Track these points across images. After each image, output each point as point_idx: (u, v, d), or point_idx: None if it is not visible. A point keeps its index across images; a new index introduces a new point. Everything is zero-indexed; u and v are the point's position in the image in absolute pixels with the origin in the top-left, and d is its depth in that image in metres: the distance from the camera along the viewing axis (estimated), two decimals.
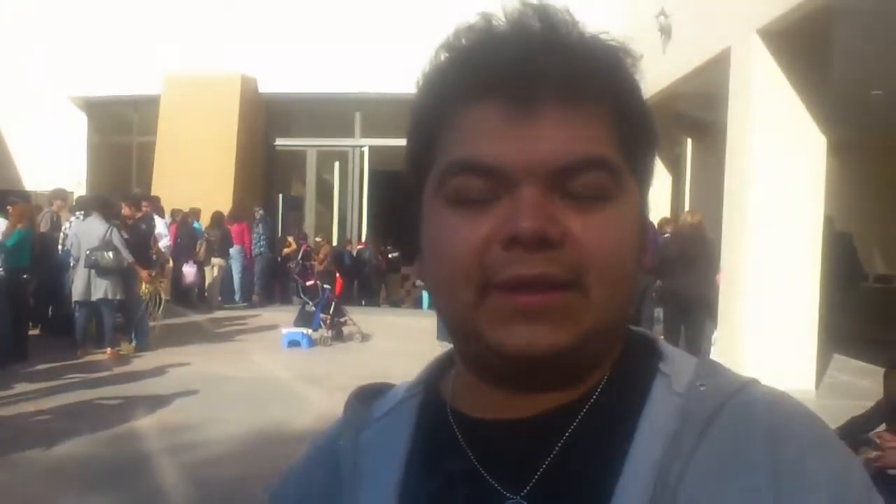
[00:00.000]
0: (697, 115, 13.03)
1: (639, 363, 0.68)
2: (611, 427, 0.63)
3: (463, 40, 0.64)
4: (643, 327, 0.75)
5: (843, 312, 9.56)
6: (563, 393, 0.65)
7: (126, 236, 9.35)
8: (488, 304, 0.60)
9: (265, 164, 17.37)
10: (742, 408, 0.62)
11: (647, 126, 0.67)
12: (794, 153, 7.82)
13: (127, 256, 9.20)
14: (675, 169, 14.36)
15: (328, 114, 17.10)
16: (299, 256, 13.86)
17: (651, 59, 11.57)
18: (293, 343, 10.35)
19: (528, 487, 0.63)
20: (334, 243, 16.22)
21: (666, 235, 9.82)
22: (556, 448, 0.63)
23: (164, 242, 11.77)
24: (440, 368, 0.75)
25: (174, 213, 13.69)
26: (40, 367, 8.51)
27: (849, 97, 9.65)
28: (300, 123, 17.70)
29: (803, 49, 7.70)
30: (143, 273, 9.71)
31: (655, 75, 10.78)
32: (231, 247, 14.58)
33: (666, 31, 11.22)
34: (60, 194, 11.47)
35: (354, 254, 16.19)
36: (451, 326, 0.66)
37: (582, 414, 0.64)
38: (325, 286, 11.03)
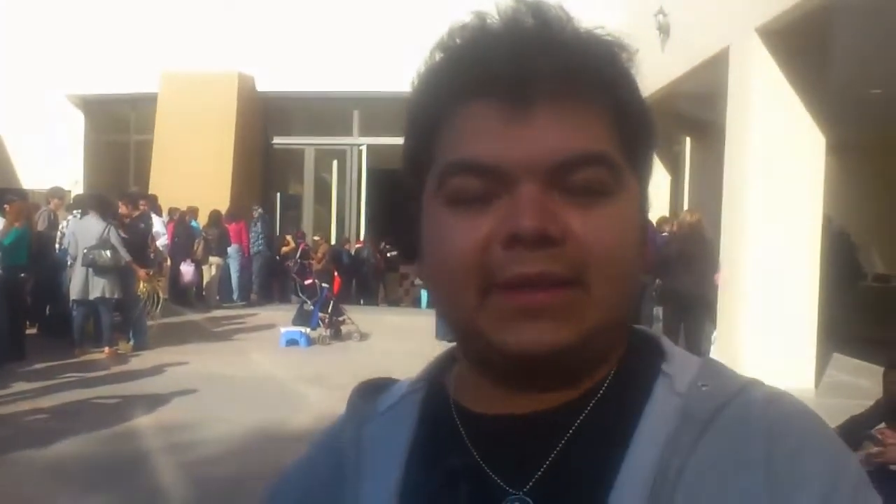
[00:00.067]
0: (696, 114, 13.04)
1: (642, 362, 0.68)
2: (612, 425, 0.63)
3: (457, 40, 0.64)
4: (642, 326, 0.75)
5: (843, 311, 9.56)
6: (566, 391, 0.65)
7: (124, 235, 9.33)
8: (491, 304, 0.60)
9: (263, 163, 17.36)
10: (742, 408, 0.62)
11: (646, 122, 0.67)
12: (792, 152, 7.81)
13: (125, 255, 9.19)
14: (674, 168, 14.37)
15: (326, 112, 17.09)
16: (297, 255, 13.84)
17: (650, 57, 11.57)
18: (291, 342, 10.34)
19: (530, 484, 0.63)
20: (332, 242, 16.21)
21: (664, 234, 9.82)
22: (559, 445, 0.63)
23: (162, 241, 11.75)
24: (443, 364, 0.75)
25: (172, 211, 13.67)
26: (38, 366, 8.49)
27: (848, 96, 9.65)
28: (298, 122, 17.69)
29: (802, 48, 7.70)
30: (141, 272, 9.70)
31: (654, 74, 10.76)
32: (229, 245, 14.56)
33: (665, 30, 11.22)
34: (58, 193, 11.45)
35: (353, 252, 16.18)
36: (453, 326, 0.66)
37: (585, 412, 0.64)
38: (324, 285, 11.03)
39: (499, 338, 0.60)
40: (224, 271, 14.66)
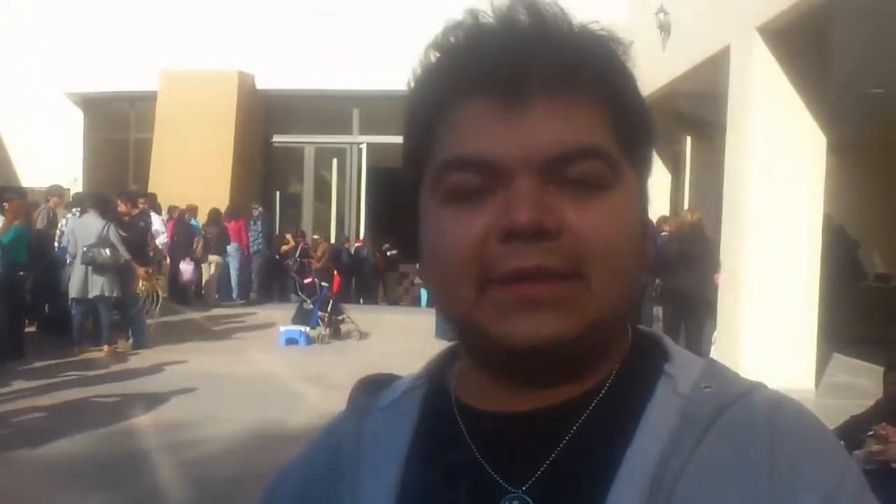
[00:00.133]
0: (697, 113, 13.03)
1: (645, 362, 0.67)
2: (613, 425, 0.63)
3: (451, 38, 0.64)
4: (643, 326, 0.74)
5: (843, 311, 9.56)
6: (568, 388, 0.65)
7: (123, 233, 9.32)
8: (489, 299, 0.60)
9: (263, 161, 17.35)
10: (745, 411, 0.62)
11: (643, 116, 0.67)
12: (793, 151, 7.81)
13: (124, 253, 9.18)
14: (675, 167, 14.35)
15: (326, 110, 17.09)
16: (297, 254, 13.83)
17: (650, 56, 11.63)
18: (291, 341, 10.33)
19: (529, 482, 0.62)
20: (332, 241, 16.20)
21: (664, 234, 9.81)
22: (560, 444, 0.63)
23: (161, 239, 11.74)
24: (445, 361, 0.75)
25: (171, 209, 13.66)
26: (37, 364, 8.49)
27: (848, 95, 9.65)
28: (298, 120, 17.68)
29: (803, 47, 7.69)
30: (140, 270, 9.69)
31: (655, 73, 10.78)
32: (228, 244, 14.55)
33: (665, 29, 11.21)
34: (57, 191, 11.43)
35: (352, 251, 16.17)
36: (452, 322, 0.65)
37: (587, 411, 0.64)
38: (323, 284, 11.03)
39: (498, 331, 0.60)
40: (223, 270, 14.64)
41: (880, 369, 4.60)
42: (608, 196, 0.61)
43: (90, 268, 9.02)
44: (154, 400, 7.10)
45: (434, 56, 0.65)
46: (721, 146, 9.11)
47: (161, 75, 16.01)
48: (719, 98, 9.10)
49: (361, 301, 15.22)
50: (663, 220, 10.91)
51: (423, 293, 14.46)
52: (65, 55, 16.45)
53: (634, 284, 0.65)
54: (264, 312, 13.19)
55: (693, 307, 8.29)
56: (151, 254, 10.55)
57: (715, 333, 8.59)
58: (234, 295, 14.86)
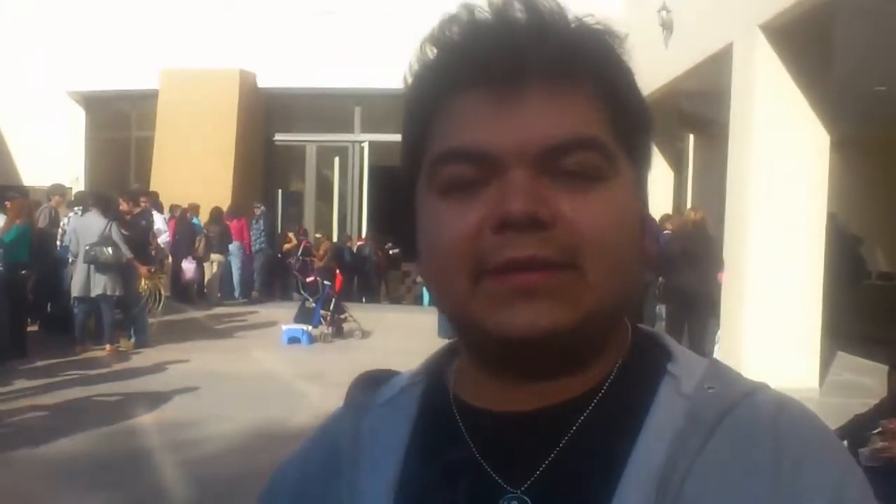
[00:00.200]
0: (699, 111, 13.02)
1: (647, 362, 0.67)
2: (615, 426, 0.63)
3: (447, 32, 0.64)
4: (645, 324, 0.73)
5: (846, 310, 9.55)
6: (568, 386, 0.64)
7: (125, 232, 9.32)
8: (484, 290, 0.60)
9: (264, 160, 17.36)
10: (750, 412, 0.62)
11: (640, 109, 0.66)
12: (796, 149, 7.79)
13: (126, 252, 9.18)
14: (677, 165, 14.34)
15: (328, 109, 17.08)
16: (299, 252, 13.83)
17: (653, 54, 11.61)
18: (293, 340, 10.34)
19: (528, 482, 0.62)
20: (334, 239, 16.20)
21: (666, 232, 9.80)
22: (560, 444, 0.63)
23: (164, 238, 11.74)
24: (444, 358, 0.74)
25: (173, 208, 13.67)
26: (39, 363, 8.49)
27: (852, 93, 9.64)
28: (300, 119, 17.69)
29: (806, 45, 7.68)
30: (143, 269, 9.69)
31: (657, 71, 10.76)
32: (230, 243, 14.56)
33: (668, 27, 11.19)
34: (59, 190, 11.43)
35: (355, 250, 16.18)
36: (448, 315, 0.65)
37: (588, 410, 0.64)
38: (325, 282, 11.03)
39: (493, 321, 0.60)
40: (225, 268, 14.65)
41: (884, 368, 4.60)
42: (604, 188, 0.61)
43: (92, 266, 9.03)
44: (156, 399, 7.10)
45: (430, 51, 0.65)
46: (724, 144, 9.10)
47: (162, 74, 16.02)
48: (722, 96, 9.08)
49: (364, 300, 15.22)
50: (666, 218, 10.89)
51: (426, 292, 14.46)
52: (66, 54, 16.46)
53: (632, 277, 0.64)
54: (266, 311, 13.20)
55: (696, 306, 8.28)
56: (153, 252, 10.55)
57: (718, 332, 8.58)
58: (237, 294, 14.87)
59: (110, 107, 18.03)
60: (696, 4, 10.18)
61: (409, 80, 0.67)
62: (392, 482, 0.66)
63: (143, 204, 11.08)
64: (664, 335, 0.71)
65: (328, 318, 10.67)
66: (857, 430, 4.12)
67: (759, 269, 7.87)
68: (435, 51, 0.65)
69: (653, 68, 10.58)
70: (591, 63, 0.63)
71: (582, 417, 0.63)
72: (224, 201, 14.90)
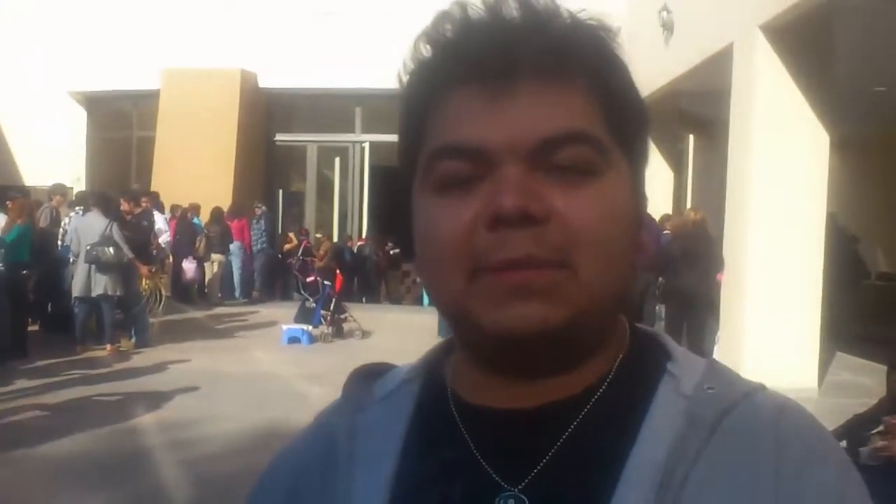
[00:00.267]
0: (700, 111, 13.01)
1: (646, 361, 0.67)
2: (614, 425, 0.63)
3: (440, 30, 0.64)
4: (645, 324, 0.74)
5: (846, 310, 9.55)
6: (566, 385, 0.64)
7: (126, 232, 9.33)
8: (479, 288, 0.60)
9: (265, 160, 17.35)
10: (749, 414, 0.62)
11: (634, 102, 0.66)
12: (796, 150, 7.79)
13: (127, 252, 9.19)
14: (678, 165, 14.33)
15: (329, 109, 17.08)
16: (300, 252, 13.84)
17: (653, 54, 11.59)
18: (293, 340, 10.34)
19: (526, 481, 0.62)
20: (335, 239, 16.20)
21: (666, 233, 9.80)
22: (559, 443, 0.62)
23: (164, 238, 11.75)
24: (442, 353, 0.74)
25: (174, 208, 13.68)
26: (40, 363, 8.50)
27: (852, 93, 9.63)
28: (300, 119, 17.68)
29: (806, 45, 7.67)
30: (143, 269, 9.70)
31: (658, 71, 10.76)
32: (231, 243, 14.56)
33: (668, 27, 11.19)
34: (60, 189, 11.44)
35: (355, 250, 16.18)
36: (444, 313, 0.65)
37: (586, 409, 0.63)
38: (326, 282, 11.02)
39: (488, 319, 0.60)
40: (226, 268, 14.66)
41: (883, 368, 4.60)
42: (598, 182, 0.61)
43: (93, 266, 9.03)
44: (157, 398, 7.10)
45: (424, 49, 0.65)
46: (724, 144, 9.10)
47: (163, 74, 16.02)
48: (722, 96, 9.08)
49: (364, 300, 15.22)
50: (666, 218, 10.89)
51: (426, 292, 14.45)
52: (67, 54, 16.45)
53: (626, 274, 0.64)
54: (267, 311, 13.21)
55: (696, 306, 8.28)
56: (154, 252, 10.55)
57: (718, 332, 8.58)
58: (237, 294, 14.87)
59: (111, 107, 18.03)
60: (697, 5, 10.18)
61: (404, 78, 0.67)
62: (389, 477, 0.65)
63: (144, 204, 11.10)
64: (663, 334, 0.71)
65: (328, 318, 10.67)
66: (856, 430, 4.13)
67: (759, 269, 7.87)
68: (429, 49, 0.65)
69: (653, 68, 10.58)
70: (583, 58, 0.62)
71: (580, 416, 0.63)
72: (225, 201, 14.90)
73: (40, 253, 9.52)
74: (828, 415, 5.55)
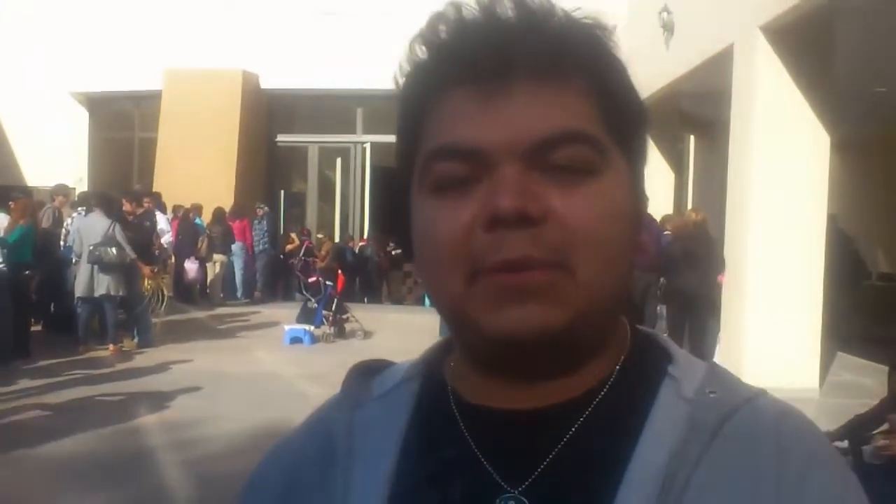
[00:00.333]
0: (700, 112, 13.01)
1: (647, 363, 0.67)
2: (615, 428, 0.62)
3: (435, 31, 0.64)
4: (646, 325, 0.74)
5: (847, 310, 9.54)
6: (567, 387, 0.64)
7: (128, 233, 9.34)
8: (477, 290, 0.59)
9: (267, 161, 17.36)
10: (751, 418, 0.62)
11: (632, 100, 0.65)
12: (797, 150, 7.79)
13: (129, 252, 9.20)
14: (678, 166, 14.32)
15: (330, 110, 17.08)
16: (301, 253, 13.84)
17: (654, 55, 11.57)
18: (295, 340, 10.34)
19: (527, 483, 0.61)
20: (336, 240, 16.21)
21: (666, 233, 9.79)
22: (560, 445, 0.62)
23: (167, 238, 11.76)
24: (441, 352, 0.74)
25: (176, 209, 13.69)
26: (42, 363, 8.51)
27: (852, 94, 9.62)
28: (302, 119, 17.69)
29: (807, 46, 7.67)
30: (146, 269, 9.71)
31: (658, 72, 10.76)
32: (233, 243, 14.57)
33: (669, 28, 11.19)
34: (62, 190, 11.46)
35: (357, 250, 16.18)
36: (443, 315, 0.65)
37: (588, 411, 0.63)
38: (328, 283, 11.04)
39: (486, 322, 0.59)
40: (228, 269, 14.67)
41: (884, 368, 4.60)
42: (595, 182, 0.60)
43: (96, 267, 9.04)
44: (159, 399, 7.11)
45: (419, 50, 0.65)
46: (724, 145, 9.09)
47: (165, 74, 16.03)
48: (723, 97, 9.08)
49: (365, 300, 15.22)
50: (667, 219, 10.89)
51: None
52: (69, 54, 16.47)
53: (625, 274, 0.63)
54: (269, 311, 13.21)
55: (697, 307, 8.28)
56: (157, 253, 10.56)
57: (720, 333, 8.58)
58: (239, 294, 14.88)
59: (113, 107, 18.05)
60: (697, 6, 10.17)
61: (400, 80, 0.66)
62: (388, 475, 0.65)
63: (146, 204, 11.11)
64: (663, 336, 0.71)
65: (330, 318, 10.68)
66: (857, 430, 4.14)
67: (760, 269, 7.86)
68: (424, 50, 0.64)
69: (653, 69, 10.58)
70: (579, 57, 0.62)
71: (582, 418, 0.63)
72: (227, 202, 14.91)
73: (43, 253, 9.53)
74: (829, 415, 5.55)
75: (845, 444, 4.00)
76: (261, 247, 15.14)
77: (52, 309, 10.62)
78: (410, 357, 0.76)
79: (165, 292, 10.71)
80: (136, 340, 9.70)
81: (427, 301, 14.61)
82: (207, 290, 14.27)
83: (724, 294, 8.41)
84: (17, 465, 5.37)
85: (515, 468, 0.62)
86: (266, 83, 16.63)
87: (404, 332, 10.90)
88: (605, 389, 0.64)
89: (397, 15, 14.89)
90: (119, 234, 9.12)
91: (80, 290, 9.15)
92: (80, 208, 10.45)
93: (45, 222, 10.44)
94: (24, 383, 7.61)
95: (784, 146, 7.80)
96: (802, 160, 7.80)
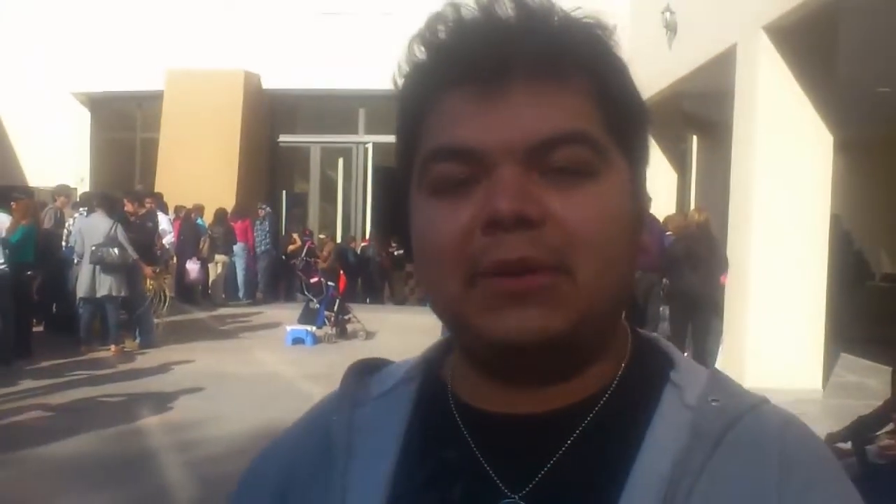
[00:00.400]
0: (703, 112, 13.00)
1: (649, 369, 0.66)
2: (617, 435, 0.62)
3: (434, 31, 0.63)
4: (649, 325, 0.73)
5: (850, 311, 9.53)
6: (568, 392, 0.63)
7: (130, 233, 9.34)
8: (476, 294, 0.59)
9: (268, 161, 17.38)
10: (754, 427, 0.61)
11: (633, 101, 0.64)
12: (800, 150, 7.78)
13: (131, 253, 9.21)
14: (681, 166, 14.31)
15: (332, 110, 17.10)
16: (303, 253, 13.85)
17: (656, 55, 11.56)
18: (297, 340, 10.35)
19: (527, 488, 0.61)
20: (338, 240, 16.22)
21: (669, 234, 9.78)
22: (561, 450, 0.62)
23: (168, 239, 11.77)
24: (441, 352, 0.73)
25: (178, 209, 13.70)
26: (44, 363, 8.51)
27: (855, 94, 9.61)
28: (304, 120, 17.71)
29: (810, 46, 7.67)
30: (148, 270, 9.72)
31: (661, 72, 10.76)
32: (235, 243, 14.58)
33: (672, 28, 11.18)
34: (64, 190, 11.47)
35: (358, 251, 16.19)
36: (442, 317, 0.64)
37: (590, 417, 0.63)
38: (329, 283, 11.04)
39: (485, 326, 0.59)
40: (230, 269, 14.68)
41: (888, 369, 4.59)
42: (595, 183, 0.59)
43: (98, 267, 9.05)
44: (161, 399, 7.11)
45: (418, 51, 0.64)
46: (727, 145, 9.08)
47: (167, 75, 16.04)
48: (726, 97, 9.07)
49: (367, 301, 15.24)
50: (669, 219, 10.87)
51: None
52: (71, 55, 16.49)
53: (626, 275, 0.63)
54: (271, 312, 13.22)
55: (700, 307, 8.27)
56: (159, 253, 10.57)
57: (723, 334, 8.56)
58: (241, 294, 14.89)
59: (115, 107, 18.07)
60: (700, 6, 10.17)
61: (399, 80, 0.66)
62: (388, 475, 0.65)
63: (148, 205, 11.12)
64: (664, 341, 0.71)
65: (332, 318, 10.68)
66: (861, 431, 4.13)
67: (763, 270, 7.85)
68: (422, 50, 0.64)
69: (656, 69, 10.57)
70: (579, 57, 0.61)
71: (583, 424, 0.62)
72: (228, 202, 14.92)
73: (45, 254, 9.54)
74: (832, 416, 5.54)
75: (848, 445, 4.00)
76: (263, 247, 15.15)
77: (54, 309, 10.63)
78: (412, 357, 0.75)
79: (167, 293, 10.72)
80: (137, 341, 9.71)
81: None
82: (209, 291, 14.29)
83: (727, 295, 8.40)
84: (18, 465, 5.37)
85: (516, 473, 0.62)
86: (268, 83, 16.65)
87: (406, 333, 10.89)
88: (606, 395, 0.64)
89: (398, 15, 14.90)
90: (121, 235, 9.13)
91: (81, 290, 9.16)
92: (81, 209, 10.46)
93: (47, 223, 10.45)
94: (26, 384, 7.61)
95: (787, 146, 7.79)
96: (805, 160, 7.79)
